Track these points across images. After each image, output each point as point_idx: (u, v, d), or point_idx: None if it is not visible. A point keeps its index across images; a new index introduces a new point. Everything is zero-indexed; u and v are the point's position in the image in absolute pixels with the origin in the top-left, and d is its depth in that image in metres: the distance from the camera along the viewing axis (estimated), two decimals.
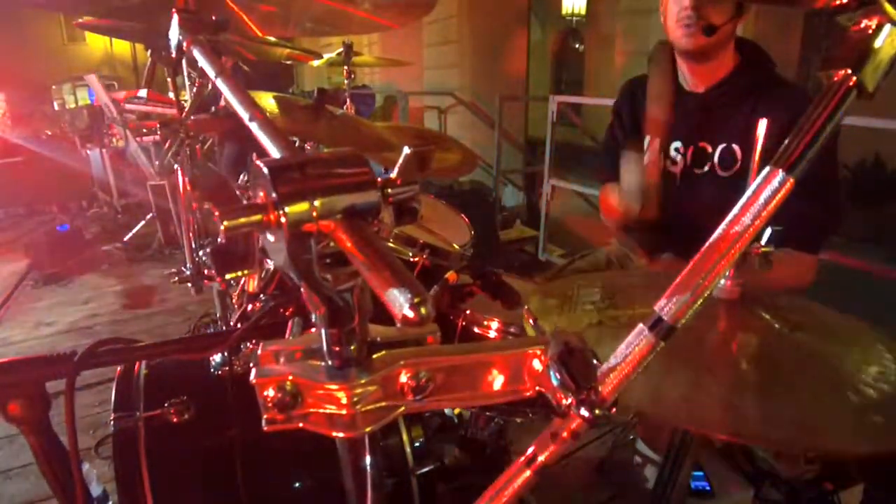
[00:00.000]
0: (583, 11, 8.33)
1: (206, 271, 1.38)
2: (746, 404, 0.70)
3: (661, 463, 1.18)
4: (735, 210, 0.43)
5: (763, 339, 0.83)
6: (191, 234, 1.43)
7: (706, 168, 1.50)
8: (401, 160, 0.41)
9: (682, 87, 1.55)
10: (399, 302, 0.30)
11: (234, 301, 1.62)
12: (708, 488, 1.34)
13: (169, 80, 1.61)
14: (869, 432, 0.68)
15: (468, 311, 1.36)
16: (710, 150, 1.49)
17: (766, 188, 0.42)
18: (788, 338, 0.84)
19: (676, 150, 1.55)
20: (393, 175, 0.40)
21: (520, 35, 6.63)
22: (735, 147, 1.45)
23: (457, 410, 1.55)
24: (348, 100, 2.51)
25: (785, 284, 1.32)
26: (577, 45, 9.51)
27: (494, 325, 1.34)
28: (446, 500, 1.26)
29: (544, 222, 4.29)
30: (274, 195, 0.35)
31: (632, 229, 1.66)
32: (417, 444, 1.17)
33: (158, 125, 1.56)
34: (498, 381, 0.45)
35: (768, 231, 0.85)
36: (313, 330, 0.45)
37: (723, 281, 0.87)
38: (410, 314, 0.30)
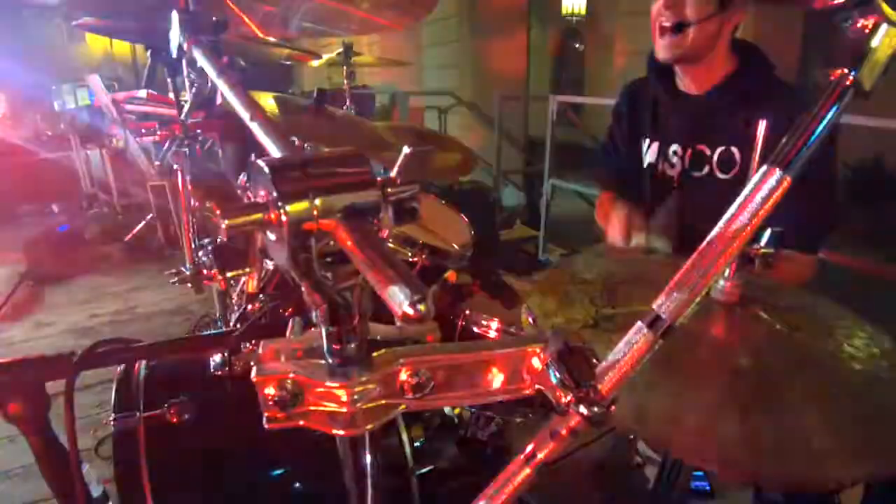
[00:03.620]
0: (583, 11, 8.34)
1: (205, 271, 1.38)
2: (729, 429, 0.68)
3: (661, 463, 1.18)
4: (732, 208, 0.43)
5: (759, 346, 0.82)
6: (190, 234, 1.43)
7: (704, 171, 1.50)
8: (400, 160, 0.41)
9: (680, 89, 1.54)
10: (399, 299, 0.30)
11: (233, 301, 1.62)
12: (708, 488, 1.33)
13: (168, 80, 1.62)
14: (849, 460, 0.67)
15: (468, 311, 1.36)
16: (708, 152, 1.49)
17: (763, 187, 0.42)
18: (787, 341, 0.84)
19: (674, 152, 1.55)
20: (392, 174, 0.40)
21: (520, 35, 6.63)
22: (734, 149, 1.44)
23: (457, 410, 1.56)
24: (348, 100, 2.52)
25: (783, 282, 1.32)
26: (576, 45, 9.52)
27: (494, 324, 1.34)
28: (446, 500, 1.26)
29: (544, 222, 4.29)
30: (275, 194, 0.35)
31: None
32: (417, 444, 1.17)
33: (157, 125, 1.56)
34: (497, 379, 0.45)
35: (768, 232, 0.85)
36: (314, 328, 0.45)
37: (721, 283, 0.87)
38: (410, 311, 0.30)
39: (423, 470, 1.16)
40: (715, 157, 1.47)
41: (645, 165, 1.62)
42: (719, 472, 0.66)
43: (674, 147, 1.55)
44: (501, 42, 6.46)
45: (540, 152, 4.74)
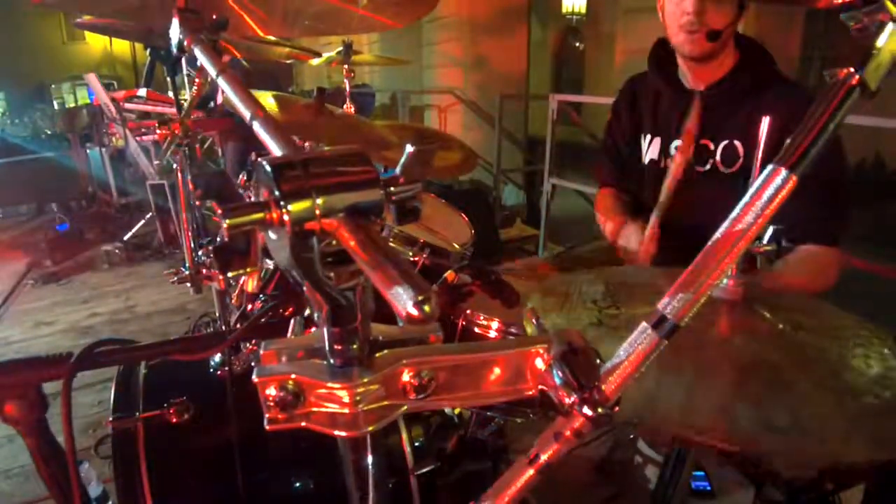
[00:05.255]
0: (583, 10, 8.34)
1: (205, 271, 1.38)
2: (743, 411, 0.69)
3: (662, 462, 1.18)
4: (738, 208, 0.43)
5: (764, 341, 0.83)
6: (190, 234, 1.43)
7: (708, 165, 1.50)
8: (403, 159, 0.41)
9: (683, 85, 1.55)
10: (403, 299, 0.30)
11: (233, 301, 1.62)
12: (709, 488, 1.33)
13: (168, 79, 1.61)
14: (865, 439, 0.68)
15: (468, 311, 1.36)
16: (712, 147, 1.49)
17: (770, 186, 0.42)
18: (790, 338, 0.84)
19: (678, 148, 1.55)
20: (396, 173, 0.40)
21: (520, 33, 6.63)
22: (737, 143, 1.45)
23: (457, 410, 1.55)
24: (348, 99, 2.51)
25: (811, 286, 1.32)
26: (577, 44, 9.52)
27: (494, 324, 1.33)
28: (446, 500, 1.26)
29: (545, 221, 4.29)
30: (277, 193, 0.34)
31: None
32: (417, 444, 1.17)
33: (157, 124, 1.56)
34: (500, 380, 0.45)
35: (770, 230, 0.85)
36: (314, 329, 0.45)
37: (725, 281, 0.86)
38: (415, 312, 0.29)
39: (423, 470, 1.15)
40: (718, 152, 1.48)
41: (646, 162, 1.62)
42: (735, 450, 0.66)
43: (677, 143, 1.55)
44: (501, 41, 6.45)
45: (540, 151, 4.74)
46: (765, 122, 0.81)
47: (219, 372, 1.14)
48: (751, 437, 0.66)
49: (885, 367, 0.80)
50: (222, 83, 0.60)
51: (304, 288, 0.39)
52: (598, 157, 1.89)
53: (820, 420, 0.68)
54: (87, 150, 5.38)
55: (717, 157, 1.48)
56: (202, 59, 0.70)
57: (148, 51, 1.64)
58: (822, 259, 1.38)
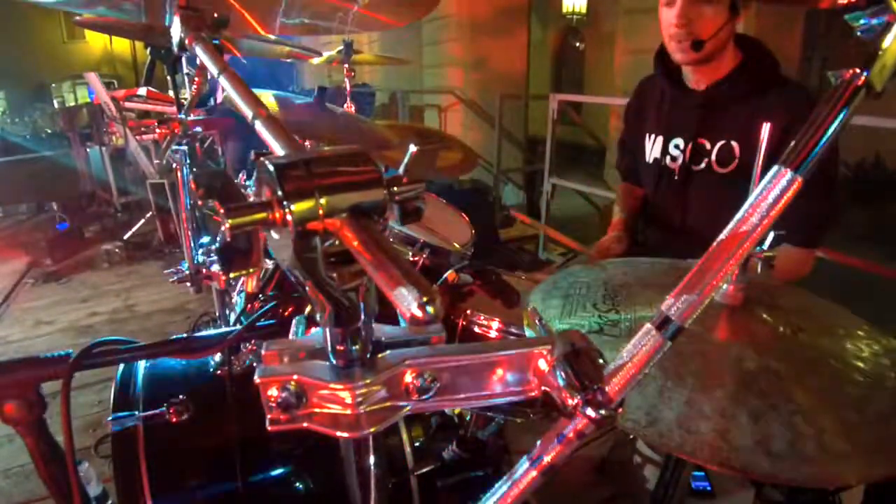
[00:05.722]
0: (583, 10, 8.34)
1: (205, 270, 1.37)
2: (742, 429, 0.68)
3: (662, 463, 1.18)
4: (743, 209, 0.43)
5: (764, 347, 0.82)
6: (190, 233, 1.42)
7: (703, 164, 1.51)
8: (406, 158, 0.41)
9: (685, 84, 1.56)
10: (407, 301, 0.29)
11: (233, 300, 1.61)
12: (709, 488, 1.33)
13: (168, 78, 1.60)
14: (864, 460, 0.68)
15: (468, 311, 1.35)
16: (708, 146, 1.50)
17: (775, 188, 0.42)
18: (791, 342, 0.83)
19: (677, 146, 1.56)
20: (399, 173, 0.40)
21: (520, 33, 6.62)
22: (734, 144, 1.45)
23: (457, 410, 1.55)
24: (348, 98, 2.51)
25: (781, 279, 1.32)
26: (577, 44, 9.53)
27: (495, 324, 1.33)
28: (446, 500, 1.26)
29: (545, 221, 4.29)
30: (280, 193, 0.34)
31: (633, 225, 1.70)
32: (417, 444, 1.16)
33: (157, 123, 1.55)
34: (503, 381, 0.44)
35: (771, 235, 0.85)
36: (315, 328, 0.45)
37: (725, 285, 0.86)
38: (419, 313, 0.29)
39: (423, 470, 1.15)
40: (714, 152, 1.48)
41: (651, 160, 1.63)
42: (735, 473, 0.66)
43: (676, 141, 1.57)
44: (502, 40, 6.45)
45: (540, 151, 4.74)
46: (765, 127, 0.80)
47: (219, 372, 1.14)
48: (749, 460, 0.65)
49: (883, 367, 0.80)
50: (224, 82, 0.60)
51: (307, 288, 0.38)
52: (618, 150, 1.93)
53: (819, 438, 0.67)
54: (88, 149, 5.38)
55: (713, 157, 1.48)
56: (203, 57, 0.69)
57: (148, 49, 1.63)
58: (796, 259, 1.39)
